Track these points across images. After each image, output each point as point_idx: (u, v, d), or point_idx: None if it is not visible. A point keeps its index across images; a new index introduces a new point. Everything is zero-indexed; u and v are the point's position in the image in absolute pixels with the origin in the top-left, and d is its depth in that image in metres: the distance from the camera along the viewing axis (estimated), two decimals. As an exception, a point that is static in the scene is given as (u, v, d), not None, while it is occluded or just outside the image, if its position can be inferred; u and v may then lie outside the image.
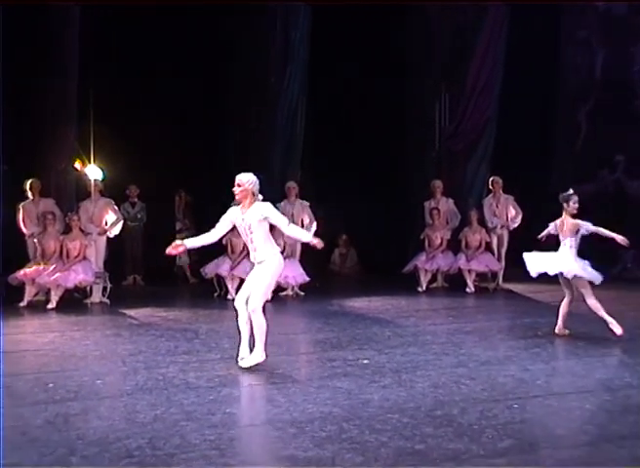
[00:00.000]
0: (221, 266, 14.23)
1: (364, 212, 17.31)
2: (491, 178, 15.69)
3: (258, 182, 8.60)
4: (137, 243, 16.30)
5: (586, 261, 10.43)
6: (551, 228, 10.52)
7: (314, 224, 14.70)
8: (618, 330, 9.84)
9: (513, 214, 15.38)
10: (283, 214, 14.51)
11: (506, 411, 6.77)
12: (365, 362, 8.73)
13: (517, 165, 16.75)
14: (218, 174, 15.89)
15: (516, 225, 15.38)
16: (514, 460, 5.55)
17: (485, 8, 16.57)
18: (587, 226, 10.30)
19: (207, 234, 8.83)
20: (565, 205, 10.39)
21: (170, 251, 8.67)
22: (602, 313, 10.04)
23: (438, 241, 15.38)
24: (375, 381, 7.87)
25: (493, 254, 15.29)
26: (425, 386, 7.71)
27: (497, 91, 16.74)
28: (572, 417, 6.58)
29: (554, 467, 5.41)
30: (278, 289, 14.33)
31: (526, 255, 10.61)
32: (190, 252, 16.76)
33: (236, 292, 14.05)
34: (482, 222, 15.33)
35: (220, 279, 14.33)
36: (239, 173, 15.17)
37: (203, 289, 14.82)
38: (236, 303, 8.69)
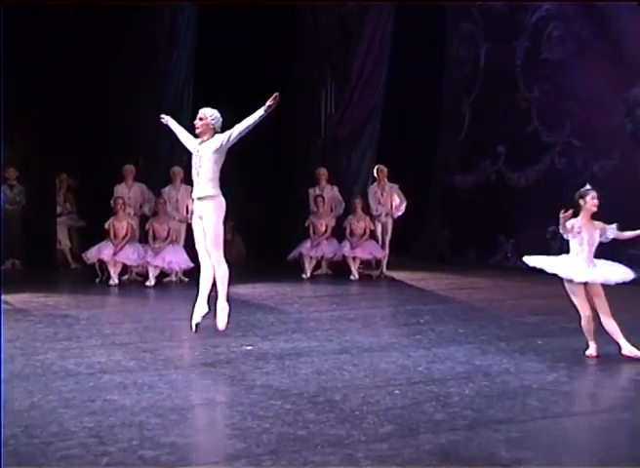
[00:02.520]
0: (104, 251, 14.02)
1: (250, 198, 17.27)
2: (376, 167, 15.84)
3: (220, 121, 8.60)
4: (15, 226, 15.89)
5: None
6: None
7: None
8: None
9: (398, 203, 15.55)
10: (167, 198, 14.56)
11: (388, 397, 6.84)
12: (248, 348, 8.71)
13: (402, 154, 16.96)
14: (101, 158, 15.65)
15: (400, 213, 15.56)
16: (395, 445, 5.61)
17: (370, -1, 16.71)
18: (613, 230, 8.38)
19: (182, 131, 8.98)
20: (582, 202, 8.27)
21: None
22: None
23: (323, 228, 15.45)
24: (258, 368, 7.85)
25: (377, 242, 15.44)
26: (308, 372, 7.73)
27: (382, 81, 16.89)
28: (451, 402, 6.68)
29: (433, 451, 5.48)
30: (162, 274, 14.22)
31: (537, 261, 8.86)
32: (71, 236, 16.51)
33: (119, 278, 13.99)
34: (366, 210, 15.46)
35: (103, 264, 14.11)
36: (124, 158, 15.12)
37: (85, 274, 14.57)
38: (200, 258, 8.83)
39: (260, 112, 8.42)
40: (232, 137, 8.44)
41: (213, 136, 8.51)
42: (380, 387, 7.19)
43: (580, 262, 8.21)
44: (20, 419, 6.14)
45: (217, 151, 8.44)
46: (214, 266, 8.60)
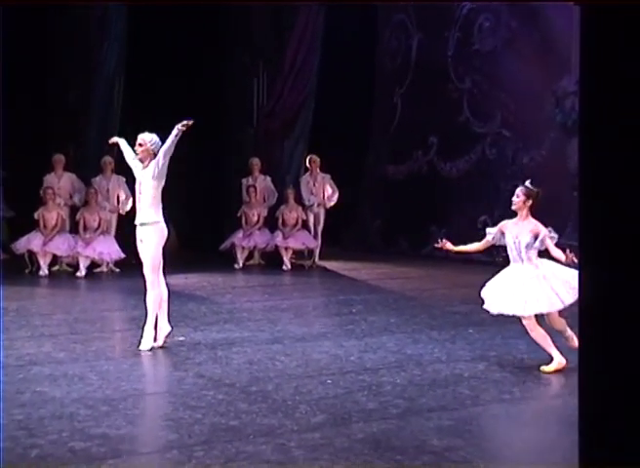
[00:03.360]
0: (33, 241, 13.85)
1: (181, 188, 17.15)
2: (308, 157, 15.87)
3: (159, 143, 8.39)
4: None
5: None
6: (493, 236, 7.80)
7: (130, 200, 14.48)
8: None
9: (330, 193, 15.60)
10: (98, 188, 14.41)
11: (320, 387, 6.87)
12: (181, 339, 8.68)
13: (335, 145, 17.01)
14: (31, 148, 15.43)
15: (333, 204, 15.62)
16: (327, 434, 5.64)
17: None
18: (547, 238, 7.39)
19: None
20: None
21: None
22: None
23: (255, 218, 15.43)
24: (190, 358, 7.83)
25: (309, 232, 15.48)
26: (241, 363, 7.73)
27: (314, 71, 16.88)
28: (383, 392, 6.73)
29: (365, 440, 5.52)
30: (93, 265, 14.08)
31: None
32: (0, 226, 16.23)
33: (49, 268, 13.81)
34: (299, 200, 15.48)
35: (32, 255, 13.94)
36: (54, 147, 14.90)
37: (14, 264, 14.36)
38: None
39: (175, 132, 8.25)
40: (161, 162, 8.28)
41: (152, 160, 8.37)
42: (313, 377, 7.22)
43: (506, 284, 7.56)
44: (-54, 413, 6.05)
45: (154, 178, 8.32)
46: (147, 289, 8.40)
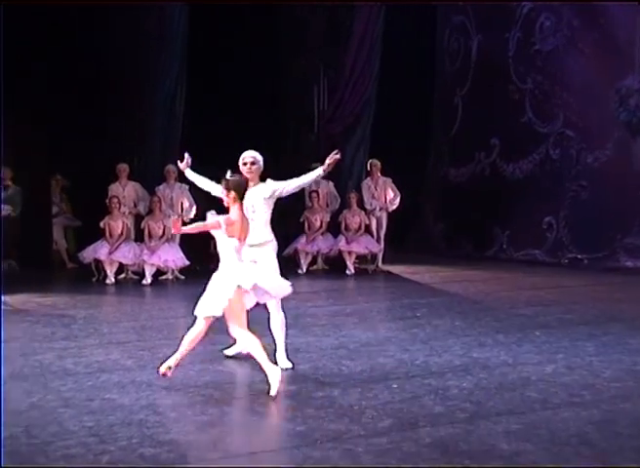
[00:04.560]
0: (100, 250, 14.02)
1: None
2: (369, 161, 15.85)
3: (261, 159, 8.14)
4: (12, 227, 15.81)
5: None
6: None
7: (194, 208, 14.62)
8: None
9: (392, 197, 15.55)
10: (162, 196, 14.54)
11: (386, 392, 6.85)
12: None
13: (396, 148, 16.98)
14: (96, 157, 15.62)
15: (394, 207, 15.57)
16: (394, 439, 5.62)
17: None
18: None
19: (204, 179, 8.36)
20: None
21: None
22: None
23: (318, 223, 15.45)
24: (256, 364, 7.85)
25: (372, 237, 15.45)
26: (307, 368, 7.74)
27: (374, 75, 16.89)
28: (450, 396, 6.69)
29: (433, 444, 5.49)
30: (158, 273, 14.21)
31: None
32: (67, 236, 16.49)
33: (115, 277, 13.98)
34: (361, 205, 15.47)
35: (99, 263, 14.11)
36: (119, 156, 15.08)
37: (81, 273, 14.56)
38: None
39: (319, 172, 8.03)
40: (284, 192, 7.99)
41: (259, 180, 8.01)
42: (379, 381, 7.20)
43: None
44: (19, 420, 6.14)
45: (269, 198, 7.96)
46: (271, 315, 7.94)
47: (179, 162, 8.62)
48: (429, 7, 17.97)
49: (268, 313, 7.91)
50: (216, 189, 7.95)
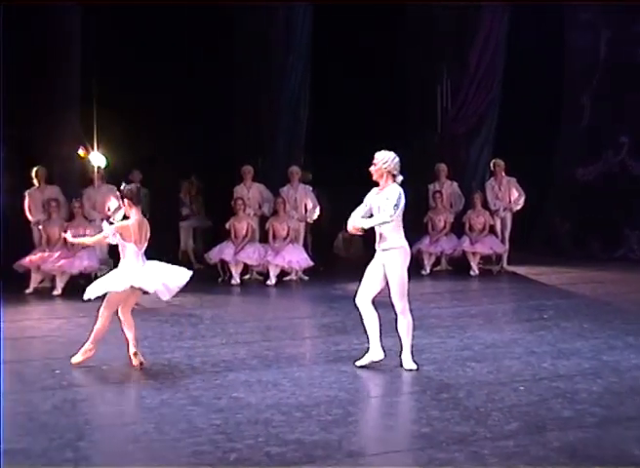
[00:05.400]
0: (225, 251, 14.22)
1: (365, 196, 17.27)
2: (493, 161, 15.66)
3: (397, 161, 7.94)
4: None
5: None
6: None
7: (317, 209, 14.72)
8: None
9: (516, 197, 15.34)
10: (286, 198, 14.68)
11: (512, 394, 6.78)
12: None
13: (520, 147, 16.72)
14: (223, 160, 15.88)
15: (519, 207, 15.35)
16: (521, 442, 5.55)
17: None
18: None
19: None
20: None
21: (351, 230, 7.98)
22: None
23: (441, 224, 15.35)
24: (380, 365, 7.86)
25: (497, 237, 15.27)
26: (431, 369, 7.72)
27: (499, 74, 16.68)
28: (578, 399, 6.57)
29: (561, 449, 5.41)
30: (282, 273, 14.35)
31: None
32: (196, 237, 16.80)
33: (240, 277, 14.19)
34: (485, 205, 15.30)
35: (225, 264, 14.32)
36: (243, 159, 15.32)
37: (207, 274, 14.82)
38: (359, 302, 8.03)
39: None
40: (396, 211, 7.72)
41: (389, 181, 7.86)
42: (505, 384, 7.13)
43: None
44: (151, 416, 6.31)
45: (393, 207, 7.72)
46: (398, 317, 7.87)
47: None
48: (555, 5, 17.64)
49: (395, 315, 7.89)
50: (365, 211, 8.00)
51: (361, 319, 8.04)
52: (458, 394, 6.82)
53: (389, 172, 7.87)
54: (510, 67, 16.72)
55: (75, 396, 6.99)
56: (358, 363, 7.98)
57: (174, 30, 16.11)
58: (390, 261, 7.79)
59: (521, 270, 15.09)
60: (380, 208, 7.82)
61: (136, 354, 8.02)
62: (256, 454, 5.47)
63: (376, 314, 7.97)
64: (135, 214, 7.99)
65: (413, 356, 7.85)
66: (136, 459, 5.44)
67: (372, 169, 7.95)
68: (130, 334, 8.12)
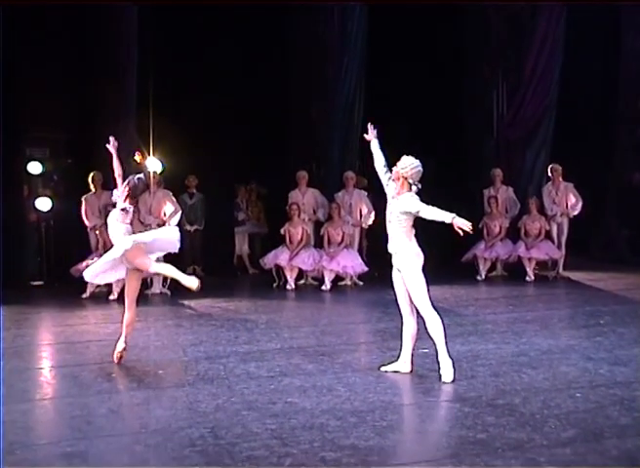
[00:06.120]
0: (280, 256, 14.28)
1: (422, 201, 17.22)
2: (550, 166, 15.53)
3: (416, 171, 7.72)
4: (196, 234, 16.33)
5: None
6: None
7: (372, 214, 14.72)
8: None
9: (573, 202, 15.19)
10: (341, 203, 14.69)
11: (569, 401, 6.71)
12: (425, 351, 8.64)
13: (578, 152, 16.56)
14: (278, 165, 15.94)
15: (576, 213, 15.20)
16: (579, 450, 5.50)
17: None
18: None
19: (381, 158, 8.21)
20: None
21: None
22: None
23: (497, 229, 15.26)
24: (435, 370, 7.83)
25: (552, 243, 15.14)
26: (486, 375, 7.67)
27: (556, 77, 16.54)
28: (636, 406, 6.49)
29: (619, 457, 5.34)
30: (337, 278, 14.36)
31: None
32: (253, 243, 16.88)
33: (295, 282, 14.23)
34: (541, 210, 15.18)
35: (280, 269, 14.38)
36: (298, 165, 15.37)
37: (262, 279, 14.89)
38: (401, 311, 7.94)
39: (448, 220, 7.42)
40: (420, 215, 7.63)
41: (404, 187, 7.74)
42: (561, 390, 7.06)
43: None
44: (206, 421, 6.35)
45: (405, 213, 7.70)
46: (425, 320, 7.68)
47: (365, 134, 8.50)
48: (612, 8, 17.45)
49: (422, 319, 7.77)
50: (381, 172, 8.08)
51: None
52: (513, 400, 6.77)
53: (405, 178, 7.72)
54: (566, 70, 16.57)
55: (131, 400, 7.06)
56: (383, 368, 7.98)
57: (229, 34, 16.23)
58: (403, 265, 7.74)
59: (577, 276, 14.95)
60: (393, 214, 7.76)
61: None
62: (310, 460, 5.48)
63: (411, 323, 7.86)
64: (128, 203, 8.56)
65: (453, 363, 7.57)
66: (191, 464, 5.48)
67: (393, 169, 7.87)
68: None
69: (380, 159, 8.17)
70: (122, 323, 8.53)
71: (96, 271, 8.66)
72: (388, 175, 7.98)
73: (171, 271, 8.51)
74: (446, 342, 7.61)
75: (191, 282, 8.31)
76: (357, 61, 15.97)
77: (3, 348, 9.20)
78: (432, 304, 7.67)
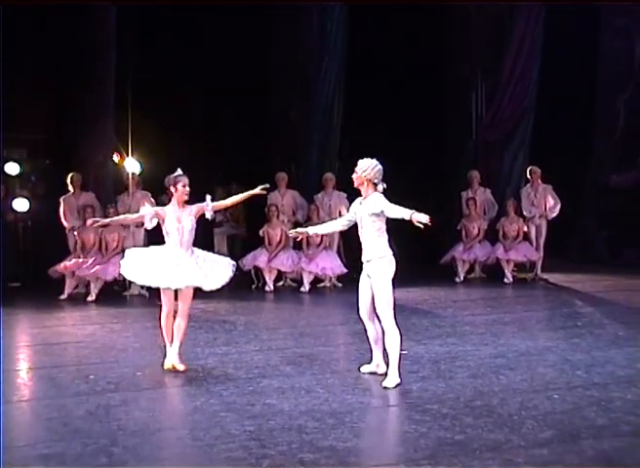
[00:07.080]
0: (259, 258, 14.27)
1: (400, 202, 17.24)
2: (529, 168, 15.57)
3: (377, 170, 7.69)
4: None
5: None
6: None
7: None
8: None
9: (552, 204, 15.24)
10: (320, 204, 14.69)
11: (547, 402, 6.74)
12: (403, 352, 8.66)
13: (556, 154, 16.63)
14: (259, 166, 15.91)
15: (555, 215, 15.25)
16: (556, 450, 5.52)
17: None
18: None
19: (333, 222, 8.63)
20: (172, 190, 8.79)
21: (294, 235, 8.41)
22: None
23: (475, 231, 15.30)
24: (413, 372, 7.86)
25: (531, 244, 15.19)
26: (464, 377, 7.69)
27: (534, 79, 16.61)
28: (613, 408, 6.52)
29: (596, 457, 5.37)
30: (316, 280, 14.36)
31: None
32: (232, 244, 16.84)
33: (274, 284, 14.23)
34: (519, 212, 15.23)
35: (259, 271, 14.37)
36: (278, 166, 15.34)
37: (241, 281, 14.85)
38: (360, 316, 7.94)
39: (407, 217, 7.40)
40: (389, 215, 7.61)
41: (370, 189, 7.69)
42: (539, 391, 7.09)
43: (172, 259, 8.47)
44: (185, 422, 6.34)
45: (374, 215, 7.64)
46: (383, 330, 7.68)
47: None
48: (590, 9, 17.53)
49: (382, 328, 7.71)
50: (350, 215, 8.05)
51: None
52: (491, 401, 6.79)
53: (370, 180, 7.67)
54: (545, 72, 16.64)
55: (109, 401, 7.03)
56: (362, 368, 7.98)
57: (209, 34, 16.20)
58: (374, 271, 7.66)
59: (555, 278, 15.01)
60: (363, 218, 7.70)
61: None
62: (289, 461, 5.48)
63: (372, 328, 7.84)
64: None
65: (400, 373, 7.48)
66: (169, 465, 5.46)
67: (353, 177, 7.80)
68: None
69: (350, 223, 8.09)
70: (171, 331, 8.28)
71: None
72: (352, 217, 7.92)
73: None
74: (399, 358, 7.54)
75: None
76: (337, 62, 15.97)
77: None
78: (395, 318, 7.61)
